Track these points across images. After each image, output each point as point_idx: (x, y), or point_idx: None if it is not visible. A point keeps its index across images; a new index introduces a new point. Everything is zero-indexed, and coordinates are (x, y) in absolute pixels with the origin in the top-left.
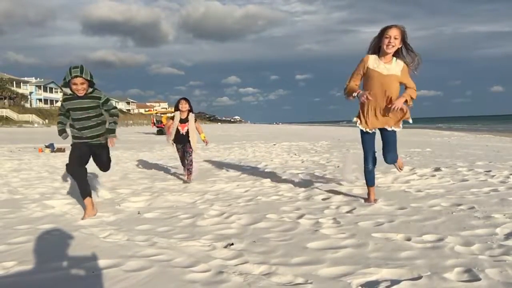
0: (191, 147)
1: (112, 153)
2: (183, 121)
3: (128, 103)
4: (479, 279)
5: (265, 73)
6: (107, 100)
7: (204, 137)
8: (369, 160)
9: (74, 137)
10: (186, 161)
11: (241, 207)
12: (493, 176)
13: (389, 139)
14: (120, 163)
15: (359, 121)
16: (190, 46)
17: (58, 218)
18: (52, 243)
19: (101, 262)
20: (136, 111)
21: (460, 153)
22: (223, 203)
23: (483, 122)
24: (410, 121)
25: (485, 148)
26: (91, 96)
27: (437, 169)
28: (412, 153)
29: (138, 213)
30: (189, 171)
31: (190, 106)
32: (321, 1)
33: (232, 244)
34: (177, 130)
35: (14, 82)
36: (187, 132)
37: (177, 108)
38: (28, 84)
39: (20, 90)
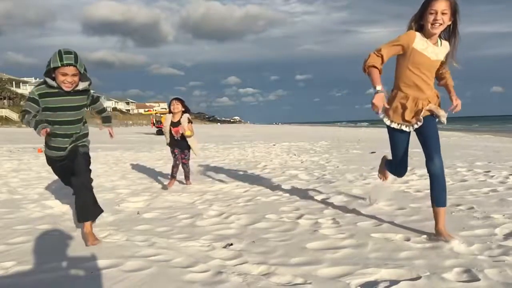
0: (187, 156)
1: (112, 154)
2: (176, 124)
3: (127, 103)
4: (478, 279)
5: (265, 74)
6: (97, 98)
7: (190, 134)
8: (401, 168)
9: (50, 148)
10: (177, 168)
11: (240, 207)
12: (492, 176)
13: (430, 131)
14: (119, 163)
15: (386, 116)
16: (190, 47)
17: (57, 219)
18: (51, 243)
19: (100, 263)
20: (135, 111)
21: (460, 153)
22: (222, 203)
23: (482, 123)
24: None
25: (484, 149)
26: (80, 91)
27: None
28: (412, 153)
29: (138, 213)
30: (186, 177)
31: (184, 106)
32: (320, 2)
33: (231, 244)
34: (172, 135)
35: (14, 82)
36: (183, 138)
37: (169, 110)
38: (27, 84)
39: (19, 90)
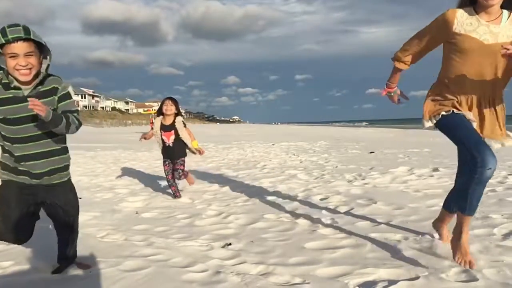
0: (182, 165)
1: (111, 153)
2: (168, 128)
3: (127, 103)
4: (477, 279)
5: (264, 73)
6: (68, 95)
7: (197, 145)
8: (486, 150)
9: (7, 169)
10: (174, 179)
11: (239, 207)
12: None
13: None
14: (118, 162)
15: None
16: (190, 46)
17: None
18: (49, 243)
19: (99, 262)
20: (134, 110)
21: None
22: (221, 203)
23: None
24: None
25: None
26: (45, 90)
27: (435, 169)
28: (411, 153)
29: (136, 213)
30: (185, 176)
31: (177, 109)
32: (320, 1)
33: (230, 244)
34: (163, 142)
35: None
36: (176, 143)
37: (160, 112)
38: None
39: None
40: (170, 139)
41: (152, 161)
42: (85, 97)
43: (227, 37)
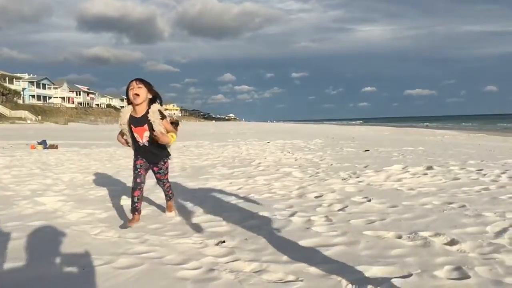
0: (162, 169)
1: (106, 150)
2: (139, 121)
3: (122, 100)
4: (469, 277)
5: (260, 71)
6: None
7: (174, 138)
8: None
9: None
10: (140, 193)
11: (233, 204)
12: (484, 174)
13: None
14: (112, 160)
15: None
16: (186, 43)
17: (49, 215)
18: (43, 240)
19: (92, 259)
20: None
21: (453, 152)
22: (215, 200)
23: (476, 122)
24: None
25: (477, 147)
26: None
27: (430, 168)
28: (405, 151)
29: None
30: (167, 200)
31: (152, 91)
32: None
33: (224, 241)
34: (135, 140)
35: (7, 78)
36: (152, 142)
37: (129, 101)
38: (21, 80)
39: (12, 86)
40: (143, 137)
41: None
42: (80, 94)
43: (223, 34)
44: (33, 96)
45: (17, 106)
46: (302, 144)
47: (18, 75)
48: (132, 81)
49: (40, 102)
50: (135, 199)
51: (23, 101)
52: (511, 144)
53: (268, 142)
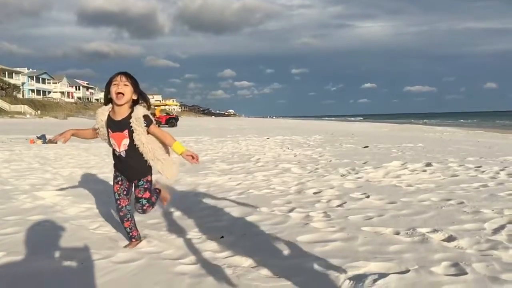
0: (143, 190)
1: (105, 145)
2: (118, 126)
3: None
4: (466, 273)
5: (260, 67)
6: None
7: (182, 149)
8: None
9: None
10: (129, 219)
11: (232, 200)
12: (483, 171)
13: None
14: (111, 154)
15: None
16: (186, 39)
17: (48, 209)
18: (42, 234)
19: (91, 254)
20: None
21: (452, 149)
22: (214, 196)
23: (476, 118)
24: None
25: (476, 144)
26: None
27: (428, 164)
28: (404, 148)
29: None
30: (151, 207)
31: (136, 90)
32: None
33: (223, 237)
34: (112, 148)
35: (6, 73)
36: (132, 154)
37: (108, 98)
38: (20, 75)
39: (12, 81)
40: (121, 146)
41: None
42: (79, 89)
43: (224, 29)
44: (32, 90)
45: (16, 101)
46: (302, 140)
47: (18, 69)
48: (117, 75)
49: (40, 97)
50: (128, 229)
51: (23, 95)
52: (510, 141)
53: (268, 138)
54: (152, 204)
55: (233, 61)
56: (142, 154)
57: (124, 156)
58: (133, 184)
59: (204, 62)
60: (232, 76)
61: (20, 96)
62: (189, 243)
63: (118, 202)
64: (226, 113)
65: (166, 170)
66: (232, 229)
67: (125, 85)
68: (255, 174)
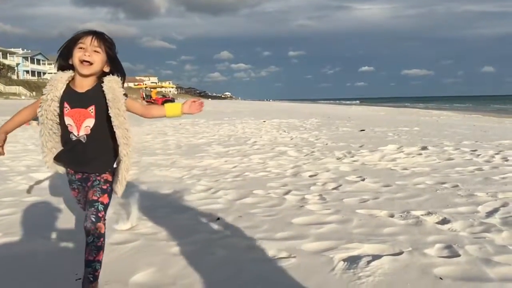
0: (106, 193)
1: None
2: (82, 101)
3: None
4: (459, 255)
5: (257, 49)
6: None
7: (179, 108)
8: None
9: None
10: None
11: (229, 182)
12: (478, 155)
13: None
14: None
15: None
16: (183, 20)
17: (44, 191)
18: (38, 216)
19: None
20: (125, 85)
21: (448, 132)
22: (211, 178)
23: (472, 102)
24: None
25: (472, 128)
26: None
27: (424, 148)
28: (400, 131)
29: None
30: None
31: (113, 63)
32: None
33: (219, 218)
34: (66, 131)
35: (1, 53)
36: (96, 138)
37: (67, 61)
38: (15, 56)
39: (6, 62)
40: (81, 127)
41: (141, 136)
42: None
43: (220, 11)
44: (27, 71)
45: (11, 82)
46: (298, 123)
47: (12, 50)
48: (87, 34)
49: (35, 78)
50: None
51: (17, 76)
52: (505, 125)
53: (264, 121)
54: (104, 218)
55: (230, 43)
56: (108, 139)
57: (84, 141)
58: (87, 184)
59: (201, 44)
60: (229, 58)
61: (15, 77)
62: (184, 225)
63: (79, 200)
64: (222, 96)
65: (120, 178)
66: (228, 211)
67: (96, 51)
68: (251, 157)
